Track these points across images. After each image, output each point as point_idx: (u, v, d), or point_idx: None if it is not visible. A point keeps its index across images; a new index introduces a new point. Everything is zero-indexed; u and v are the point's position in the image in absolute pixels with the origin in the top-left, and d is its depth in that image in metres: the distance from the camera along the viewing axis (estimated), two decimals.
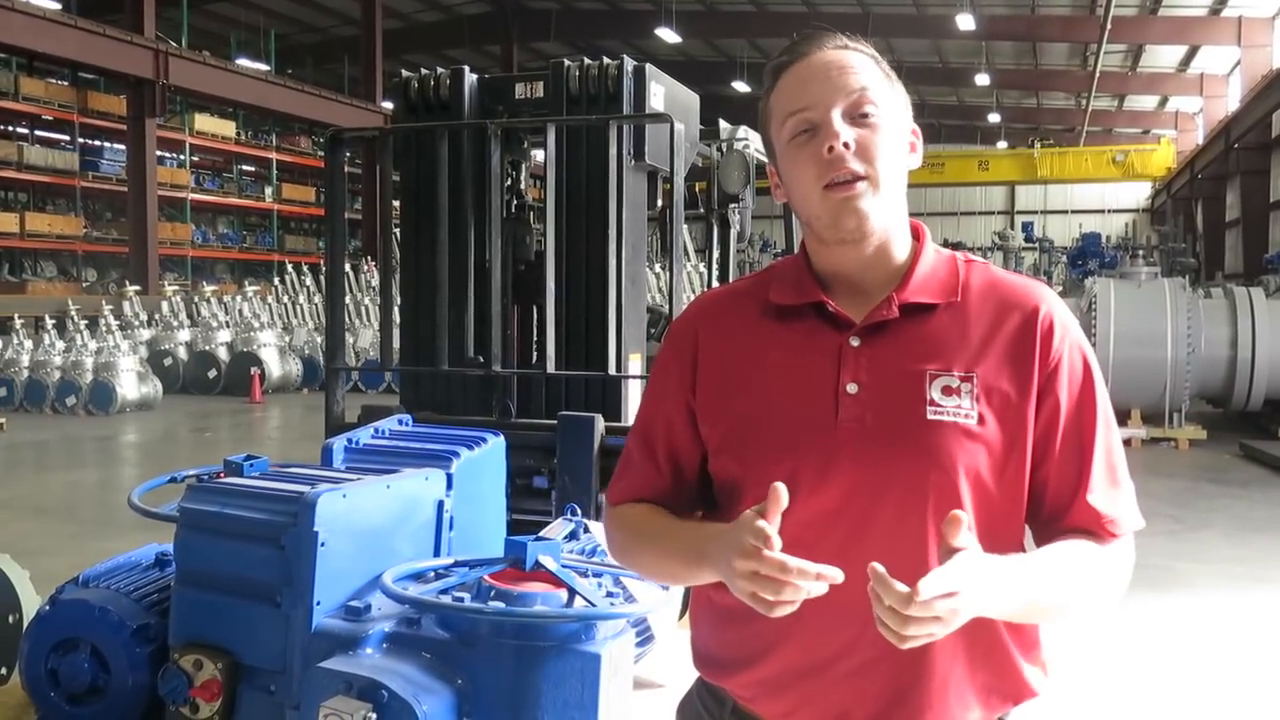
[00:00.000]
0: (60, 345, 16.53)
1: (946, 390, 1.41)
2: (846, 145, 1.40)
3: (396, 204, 4.79)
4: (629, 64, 4.32)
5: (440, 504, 2.68)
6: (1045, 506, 1.46)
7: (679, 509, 1.57)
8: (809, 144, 1.42)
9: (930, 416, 1.41)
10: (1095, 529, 1.43)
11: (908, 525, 1.39)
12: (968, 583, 1.20)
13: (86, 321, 17.00)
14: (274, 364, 18.48)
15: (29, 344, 16.80)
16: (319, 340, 19.64)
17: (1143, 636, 5.40)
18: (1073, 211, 43.14)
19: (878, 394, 1.43)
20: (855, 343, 1.46)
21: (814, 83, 1.44)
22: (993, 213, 45.05)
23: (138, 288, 21.35)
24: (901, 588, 1.17)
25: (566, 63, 4.37)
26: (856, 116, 1.42)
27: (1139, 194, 43.67)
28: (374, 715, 2.02)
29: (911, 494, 1.40)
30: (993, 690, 1.46)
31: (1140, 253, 16.19)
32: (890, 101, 1.45)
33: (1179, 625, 5.76)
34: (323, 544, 2.30)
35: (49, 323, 17.06)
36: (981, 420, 1.41)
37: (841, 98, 1.42)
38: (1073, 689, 4.61)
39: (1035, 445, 1.44)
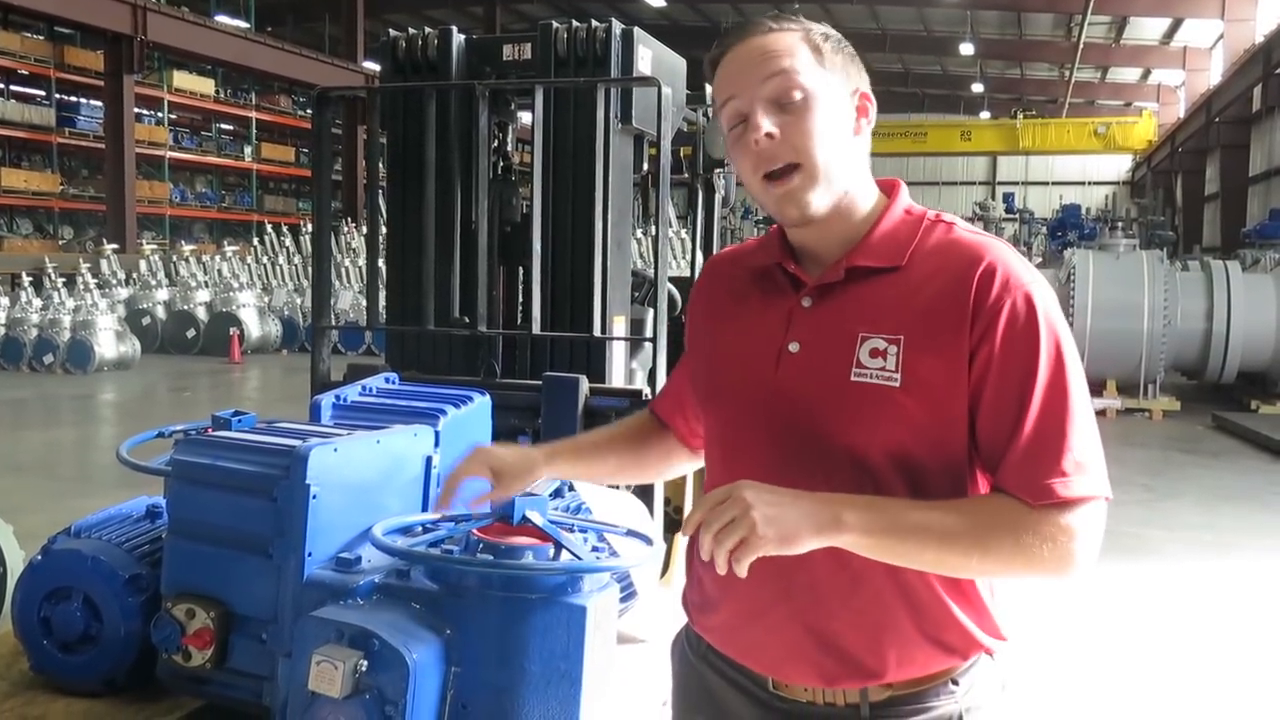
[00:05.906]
0: (37, 303, 16.39)
1: (874, 353, 1.41)
2: (770, 135, 1.42)
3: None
4: (617, 27, 4.32)
5: (428, 460, 2.72)
6: (982, 464, 1.44)
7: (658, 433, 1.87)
8: (743, 135, 1.45)
9: (854, 378, 1.42)
10: (1022, 493, 1.36)
11: (829, 484, 1.39)
12: (753, 488, 1.30)
13: (64, 279, 16.84)
14: (253, 324, 18.40)
15: (5, 301, 16.67)
16: (298, 301, 19.55)
17: (1114, 601, 5.52)
18: (1054, 183, 43.27)
19: (814, 354, 1.47)
20: (807, 303, 1.50)
21: (739, 73, 1.45)
22: (974, 183, 45.11)
23: (115, 246, 21.19)
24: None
25: (555, 25, 4.36)
26: (783, 103, 1.42)
27: (1120, 166, 43.82)
28: (365, 663, 2.05)
29: (831, 453, 1.43)
30: (935, 642, 1.46)
31: (1119, 225, 16.35)
32: (821, 80, 1.44)
33: (1149, 591, 5.88)
34: (314, 496, 2.33)
35: (26, 280, 16.88)
36: (906, 382, 1.39)
37: (764, 86, 1.43)
38: (1041, 652, 4.71)
39: (971, 402, 1.40)
